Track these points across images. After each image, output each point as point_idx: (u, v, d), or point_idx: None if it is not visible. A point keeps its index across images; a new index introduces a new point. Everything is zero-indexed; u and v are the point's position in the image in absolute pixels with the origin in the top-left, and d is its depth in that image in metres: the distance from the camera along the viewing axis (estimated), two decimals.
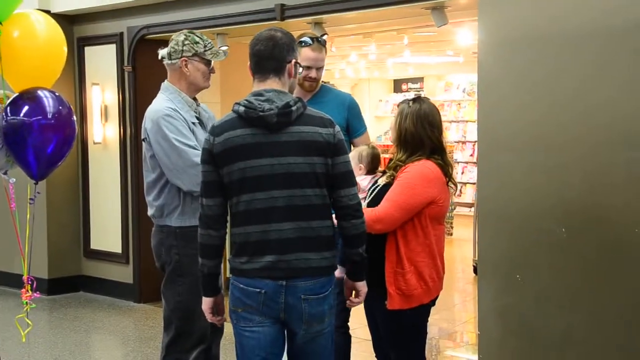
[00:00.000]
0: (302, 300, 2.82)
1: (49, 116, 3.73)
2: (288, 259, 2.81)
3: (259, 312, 2.84)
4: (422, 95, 3.57)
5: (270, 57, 2.88)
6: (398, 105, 3.41)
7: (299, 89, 3.85)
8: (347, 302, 3.13)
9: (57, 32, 3.99)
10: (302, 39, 3.87)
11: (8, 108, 3.75)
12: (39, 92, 3.80)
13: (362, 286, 3.05)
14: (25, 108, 3.72)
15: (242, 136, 2.81)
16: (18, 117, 3.70)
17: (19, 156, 3.76)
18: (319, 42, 3.93)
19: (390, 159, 3.49)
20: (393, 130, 3.38)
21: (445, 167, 3.34)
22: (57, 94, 3.85)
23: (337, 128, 2.90)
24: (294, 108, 2.81)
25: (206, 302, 3.02)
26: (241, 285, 2.85)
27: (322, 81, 4.10)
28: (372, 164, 3.66)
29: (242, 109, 2.82)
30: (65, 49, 4.05)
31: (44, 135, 3.74)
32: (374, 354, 3.63)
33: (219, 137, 2.84)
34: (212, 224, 2.90)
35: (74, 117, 3.88)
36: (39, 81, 3.96)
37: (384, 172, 3.47)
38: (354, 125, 4.05)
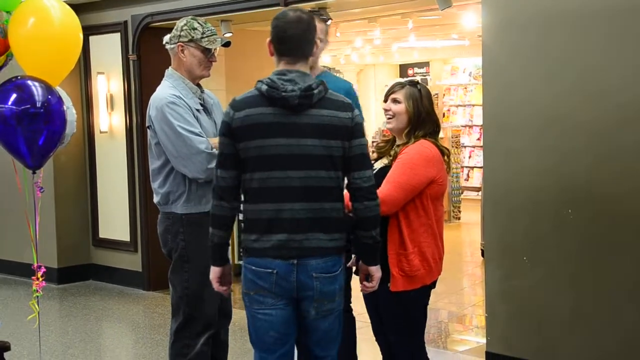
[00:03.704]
0: (313, 278, 2.85)
1: (38, 105, 3.71)
2: (299, 238, 2.84)
3: (271, 293, 2.87)
4: (420, 79, 3.56)
5: (304, 41, 2.90)
6: (393, 92, 3.36)
7: None
8: (361, 287, 3.14)
9: (72, 19, 3.96)
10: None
11: None
12: (28, 81, 3.78)
13: (376, 270, 3.05)
14: (13, 96, 3.70)
15: (262, 114, 2.84)
16: (6, 106, 3.68)
17: (11, 146, 3.75)
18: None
19: (386, 143, 3.48)
20: (404, 115, 3.32)
21: (440, 146, 3.35)
22: (45, 82, 3.81)
23: (357, 112, 2.94)
24: (315, 91, 2.83)
25: (214, 272, 3.05)
26: (253, 268, 2.89)
27: (324, 67, 4.05)
28: None
29: (264, 87, 2.84)
30: (81, 35, 4.02)
31: (34, 125, 3.71)
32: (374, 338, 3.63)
33: (239, 112, 2.86)
34: (224, 195, 2.93)
35: (64, 106, 3.85)
36: (55, 69, 3.93)
37: (379, 157, 3.46)
38: None
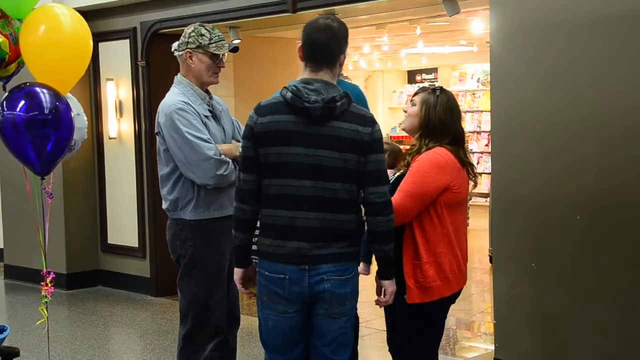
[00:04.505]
0: (324, 280, 2.88)
1: (46, 111, 3.73)
2: (311, 247, 2.87)
3: (284, 299, 2.91)
4: (441, 86, 3.51)
5: (327, 48, 2.91)
6: (416, 95, 3.36)
7: None
8: (376, 300, 3.15)
9: (83, 26, 3.98)
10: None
11: (4, 103, 3.75)
12: (36, 87, 3.80)
13: (388, 285, 3.06)
14: (22, 103, 3.72)
15: (284, 122, 2.86)
16: (15, 112, 3.70)
17: (19, 152, 3.77)
18: None
19: (410, 149, 3.46)
20: (415, 118, 3.32)
21: (459, 155, 3.28)
22: (53, 89, 3.83)
23: (377, 127, 2.94)
24: (338, 104, 2.84)
25: (237, 273, 3.09)
26: (266, 273, 2.93)
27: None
28: (390, 159, 3.66)
29: (289, 95, 2.85)
30: (91, 42, 4.05)
31: (42, 131, 3.73)
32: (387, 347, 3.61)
33: (262, 118, 2.89)
34: (245, 198, 2.97)
35: (72, 113, 3.87)
36: (66, 76, 3.95)
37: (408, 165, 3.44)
38: None
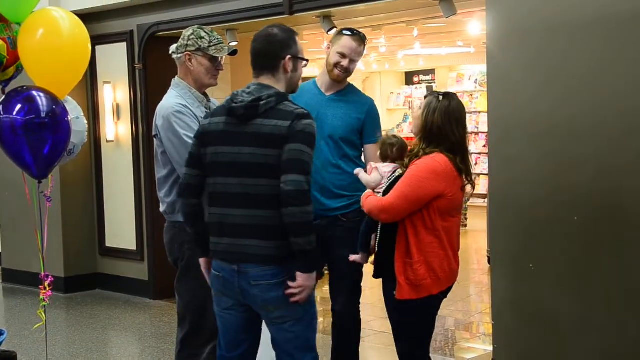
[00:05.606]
0: (252, 285, 2.94)
1: (43, 115, 3.73)
2: (240, 243, 2.95)
3: (225, 295, 3.05)
4: (448, 92, 3.53)
5: (262, 55, 3.03)
6: (425, 98, 3.43)
7: (327, 79, 3.92)
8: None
9: (81, 30, 3.98)
10: (344, 29, 3.95)
11: (1, 106, 3.75)
12: (33, 91, 3.80)
13: (300, 277, 2.91)
14: (19, 106, 3.72)
15: (218, 123, 3.02)
16: (12, 116, 3.70)
17: (16, 155, 3.76)
18: (359, 36, 3.95)
19: (411, 150, 3.48)
20: (418, 121, 3.39)
21: (457, 162, 3.30)
22: (50, 92, 3.82)
23: (303, 121, 2.89)
24: (262, 102, 2.92)
25: (201, 262, 3.24)
26: (213, 270, 3.10)
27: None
28: (397, 152, 3.67)
29: (228, 98, 3.00)
30: (90, 46, 4.05)
31: (39, 134, 3.74)
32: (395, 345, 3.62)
33: (205, 120, 3.11)
34: (181, 192, 3.16)
35: (70, 116, 3.86)
36: (64, 79, 3.95)
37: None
38: (367, 131, 3.98)
